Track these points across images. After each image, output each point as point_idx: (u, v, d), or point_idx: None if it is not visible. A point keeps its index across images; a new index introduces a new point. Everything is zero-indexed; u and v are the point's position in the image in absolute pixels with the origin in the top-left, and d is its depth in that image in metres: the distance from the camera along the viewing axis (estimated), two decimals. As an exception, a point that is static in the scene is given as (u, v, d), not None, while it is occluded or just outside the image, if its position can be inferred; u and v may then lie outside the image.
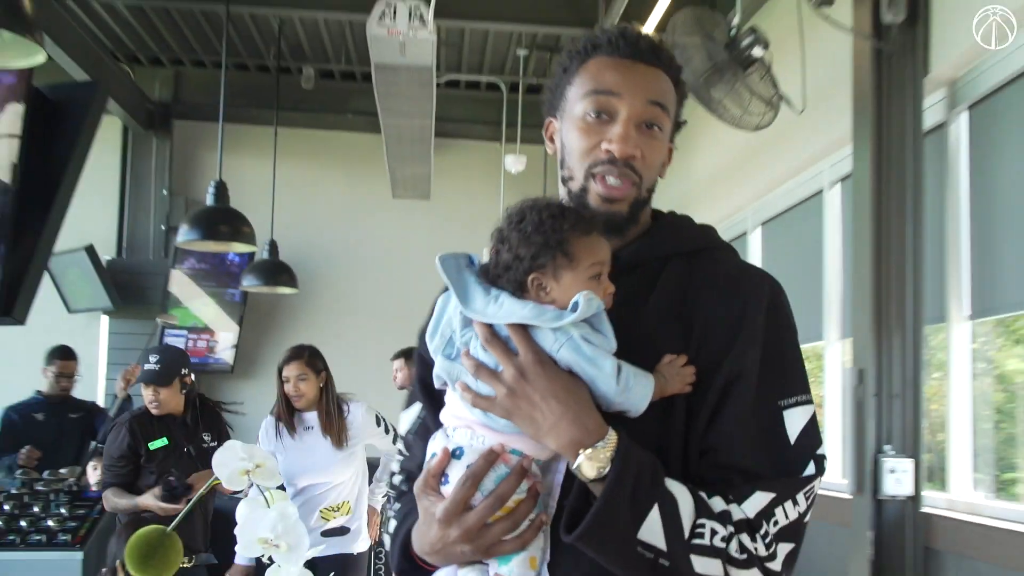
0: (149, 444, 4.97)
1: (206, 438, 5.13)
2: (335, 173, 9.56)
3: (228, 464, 1.56)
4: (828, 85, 5.05)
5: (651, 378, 1.41)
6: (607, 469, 1.35)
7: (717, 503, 1.40)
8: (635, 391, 1.39)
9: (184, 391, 5.13)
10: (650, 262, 1.57)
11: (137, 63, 9.14)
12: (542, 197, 1.52)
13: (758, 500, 1.41)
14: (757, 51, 4.67)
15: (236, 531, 1.54)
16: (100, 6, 7.81)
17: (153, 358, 5.09)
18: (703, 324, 1.49)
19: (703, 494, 1.40)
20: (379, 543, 6.11)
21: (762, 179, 6.46)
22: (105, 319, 8.94)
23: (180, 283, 8.82)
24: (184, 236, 5.97)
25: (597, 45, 1.56)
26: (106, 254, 8.90)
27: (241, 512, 1.55)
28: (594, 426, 1.38)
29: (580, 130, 1.54)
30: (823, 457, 1.48)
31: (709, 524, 1.37)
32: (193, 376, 5.37)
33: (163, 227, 9.18)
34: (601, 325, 1.42)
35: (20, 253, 4.61)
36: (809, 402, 1.49)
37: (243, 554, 1.50)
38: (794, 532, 1.43)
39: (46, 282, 7.26)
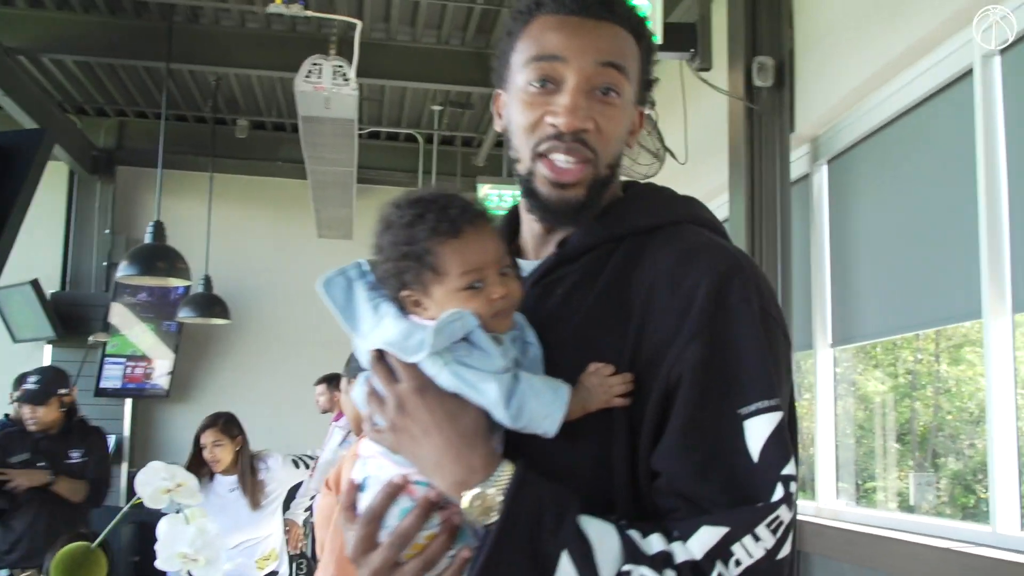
0: (10, 459, 4.90)
1: (73, 455, 4.98)
2: (265, 214, 9.39)
3: (150, 483, 1.45)
4: (707, 140, 5.08)
5: (563, 394, 1.08)
6: (495, 514, 1.04)
7: (654, 543, 1.03)
8: (535, 412, 1.07)
9: (63, 409, 4.96)
10: (603, 246, 1.20)
11: (84, 113, 8.88)
12: (413, 190, 1.19)
13: (705, 537, 1.03)
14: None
15: (156, 546, 1.43)
16: (50, 62, 7.56)
17: (32, 379, 4.95)
18: (641, 318, 1.12)
19: (634, 533, 1.04)
20: (302, 555, 5.94)
21: (649, 223, 6.49)
22: (48, 348, 8.60)
23: (119, 314, 8.56)
24: (124, 271, 5.82)
25: (540, 3, 1.20)
26: (50, 288, 8.58)
27: (161, 528, 1.44)
28: (480, 462, 1.06)
29: (523, 103, 1.19)
30: (791, 478, 1.06)
31: (637, 571, 1.01)
32: (73, 395, 5.26)
33: (104, 263, 8.89)
34: (482, 342, 1.09)
35: (-33, 287, 4.41)
36: (775, 408, 1.08)
37: (163, 568, 1.37)
38: (766, 573, 1.04)
39: (-8, 313, 6.98)
